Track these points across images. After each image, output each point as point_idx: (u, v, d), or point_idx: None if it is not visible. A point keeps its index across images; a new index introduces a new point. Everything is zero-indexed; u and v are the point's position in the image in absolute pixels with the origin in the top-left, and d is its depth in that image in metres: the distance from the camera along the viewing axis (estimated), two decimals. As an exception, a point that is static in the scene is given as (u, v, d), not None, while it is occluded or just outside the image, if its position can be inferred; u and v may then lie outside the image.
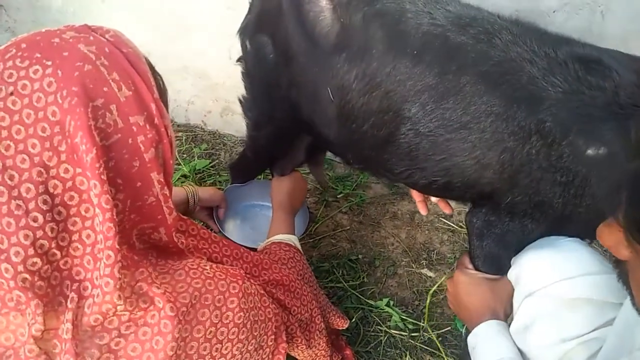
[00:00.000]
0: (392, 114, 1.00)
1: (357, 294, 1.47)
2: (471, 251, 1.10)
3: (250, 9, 1.24)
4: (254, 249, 1.29)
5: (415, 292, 1.50)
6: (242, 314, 0.72)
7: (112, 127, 0.59)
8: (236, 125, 2.16)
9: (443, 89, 0.94)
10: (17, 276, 0.56)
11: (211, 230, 1.08)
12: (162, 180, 0.65)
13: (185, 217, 0.86)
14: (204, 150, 2.09)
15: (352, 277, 1.53)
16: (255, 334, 0.76)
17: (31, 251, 0.56)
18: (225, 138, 2.17)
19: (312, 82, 1.10)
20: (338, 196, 1.80)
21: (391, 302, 1.44)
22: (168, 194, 0.67)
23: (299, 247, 1.17)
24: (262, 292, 0.84)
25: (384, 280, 1.53)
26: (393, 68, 0.98)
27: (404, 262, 1.58)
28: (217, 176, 1.97)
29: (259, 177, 1.75)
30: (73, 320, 0.60)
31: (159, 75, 0.72)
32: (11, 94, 0.56)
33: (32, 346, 0.59)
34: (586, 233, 0.96)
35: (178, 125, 2.23)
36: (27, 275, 0.56)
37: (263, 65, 1.20)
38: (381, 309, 1.44)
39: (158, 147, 0.63)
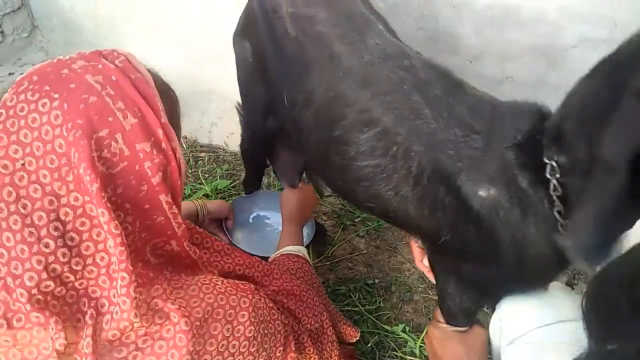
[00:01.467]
0: (323, 131, 1.02)
1: (373, 318, 1.49)
2: (439, 305, 1.11)
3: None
4: (265, 258, 1.33)
5: (431, 319, 1.51)
6: (252, 327, 0.75)
7: (118, 155, 0.62)
8: (257, 147, 2.22)
9: (362, 116, 0.94)
10: (31, 298, 0.59)
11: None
12: (170, 200, 0.67)
13: (200, 230, 0.90)
14: (226, 170, 2.15)
15: (368, 301, 1.55)
16: (266, 346, 0.79)
17: (44, 275, 0.60)
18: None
19: (277, 85, 1.14)
20: (355, 220, 1.83)
21: (407, 328, 1.46)
22: (177, 212, 0.70)
23: (308, 258, 1.19)
24: (271, 304, 0.86)
25: (400, 305, 1.55)
26: (325, 87, 1.00)
27: (420, 289, 1.60)
28: (238, 196, 2.01)
29: (265, 188, 1.81)
30: (93, 335, 0.63)
31: (173, 92, 0.76)
32: (22, 127, 0.59)
33: None
34: (536, 278, 0.93)
35: (201, 146, 2.29)
36: (40, 297, 0.60)
37: (244, 69, 1.29)
38: (397, 335, 1.45)
39: (166, 170, 0.66)
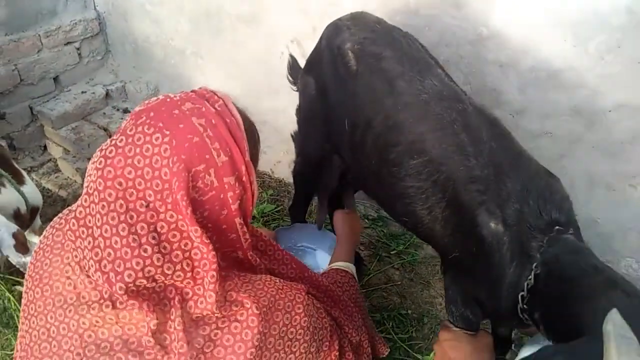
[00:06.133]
0: (379, 153, 1.17)
1: (405, 346, 1.58)
2: (445, 305, 1.24)
3: None
4: None
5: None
6: (306, 318, 0.87)
7: (209, 186, 0.75)
8: (301, 176, 2.38)
9: (415, 145, 1.10)
10: (127, 290, 0.73)
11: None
12: (242, 222, 0.81)
13: (266, 239, 1.04)
14: (270, 195, 2.30)
15: (401, 330, 1.65)
16: (316, 337, 0.91)
17: (140, 274, 0.73)
18: (289, 186, 2.38)
19: (339, 115, 1.30)
20: (391, 252, 1.94)
21: (438, 358, 1.55)
22: (246, 230, 0.84)
23: (355, 274, 1.30)
24: (319, 305, 0.98)
25: (431, 337, 1.64)
26: (384, 116, 1.15)
27: (451, 323, 1.69)
28: (281, 220, 2.16)
29: (306, 221, 1.93)
30: (182, 316, 0.77)
31: (257, 132, 0.89)
32: (137, 154, 0.73)
33: (149, 338, 0.75)
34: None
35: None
36: (134, 288, 0.74)
37: (307, 101, 1.45)
38: (428, 363, 1.54)
39: (242, 198, 0.80)
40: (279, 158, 2.37)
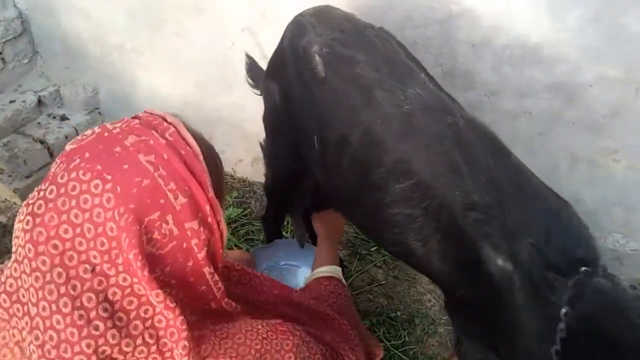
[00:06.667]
0: (358, 175, 1.02)
1: (400, 354, 1.50)
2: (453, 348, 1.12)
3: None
4: None
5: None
6: None
7: (168, 236, 0.62)
8: (266, 173, 2.22)
9: (400, 166, 0.95)
10: None
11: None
12: (213, 270, 0.68)
13: (238, 267, 0.90)
14: (235, 198, 2.14)
15: (393, 335, 1.56)
16: None
17: (94, 358, 0.59)
18: (255, 186, 2.22)
19: (307, 127, 1.14)
20: (371, 250, 1.84)
21: (435, 364, 1.47)
22: (217, 278, 0.70)
23: (341, 276, 1.18)
24: (309, 339, 0.86)
25: (424, 339, 1.56)
26: (362, 132, 1.00)
27: (443, 321, 1.61)
28: (250, 225, 2.01)
29: (285, 236, 1.79)
30: None
31: (219, 159, 0.75)
32: (74, 207, 0.59)
33: None
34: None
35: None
36: None
37: (271, 110, 1.29)
38: (425, 370, 1.47)
39: (210, 242, 0.67)
40: (240, 157, 2.21)
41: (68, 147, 0.64)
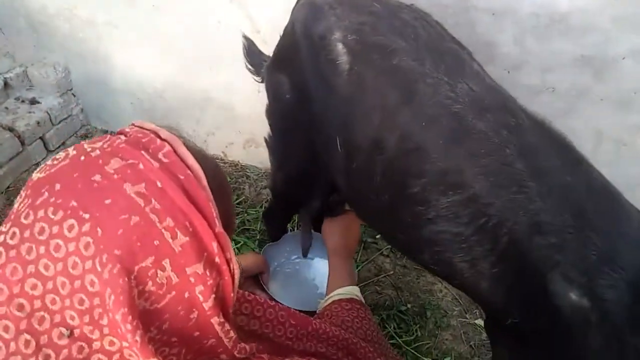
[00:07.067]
0: (394, 185, 0.88)
1: (413, 351, 1.40)
2: None
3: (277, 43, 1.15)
4: (306, 312, 1.21)
5: (472, 346, 1.44)
6: None
7: (165, 286, 0.49)
8: (260, 157, 2.07)
9: (448, 177, 0.81)
10: None
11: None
12: (223, 319, 0.55)
13: (250, 298, 0.78)
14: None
15: (404, 330, 1.46)
16: None
17: None
18: (248, 170, 2.07)
19: (326, 127, 0.99)
20: (376, 237, 1.73)
21: (452, 362, 1.38)
22: (229, 327, 0.57)
23: (362, 298, 1.07)
24: None
25: (437, 333, 1.47)
26: (400, 136, 0.85)
27: (455, 312, 1.52)
28: (245, 214, 1.87)
29: (292, 229, 1.67)
30: None
31: (225, 179, 0.60)
32: (43, 256, 0.45)
33: None
34: None
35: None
36: None
37: (280, 105, 1.12)
38: (442, 368, 1.38)
39: (219, 287, 0.53)
40: (231, 139, 2.05)
41: (35, 175, 0.49)
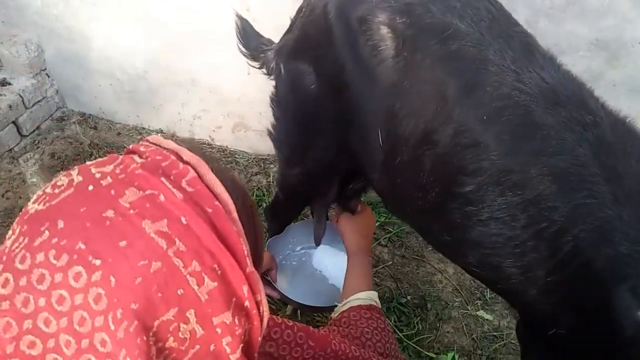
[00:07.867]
0: (444, 182, 0.82)
1: (415, 345, 1.36)
2: None
3: (290, 28, 1.05)
4: (318, 308, 1.16)
5: (475, 339, 1.41)
6: None
7: (188, 341, 0.42)
8: (249, 141, 1.97)
9: (509, 176, 0.75)
10: None
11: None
12: None
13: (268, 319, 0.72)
14: (216, 170, 1.90)
15: (404, 324, 1.42)
16: None
17: None
18: (237, 155, 1.98)
19: (364, 119, 0.92)
20: (374, 225, 1.67)
21: (456, 357, 1.35)
22: None
23: (378, 302, 1.04)
24: None
25: (438, 325, 1.43)
26: (456, 129, 0.78)
27: (457, 303, 1.48)
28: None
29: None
30: None
31: (250, 198, 0.52)
32: (43, 309, 0.38)
33: None
34: None
35: (182, 140, 2.01)
36: None
37: (300, 96, 1.03)
38: (447, 363, 1.34)
39: (247, 333, 0.47)
40: (219, 123, 1.95)
41: (31, 207, 0.41)
